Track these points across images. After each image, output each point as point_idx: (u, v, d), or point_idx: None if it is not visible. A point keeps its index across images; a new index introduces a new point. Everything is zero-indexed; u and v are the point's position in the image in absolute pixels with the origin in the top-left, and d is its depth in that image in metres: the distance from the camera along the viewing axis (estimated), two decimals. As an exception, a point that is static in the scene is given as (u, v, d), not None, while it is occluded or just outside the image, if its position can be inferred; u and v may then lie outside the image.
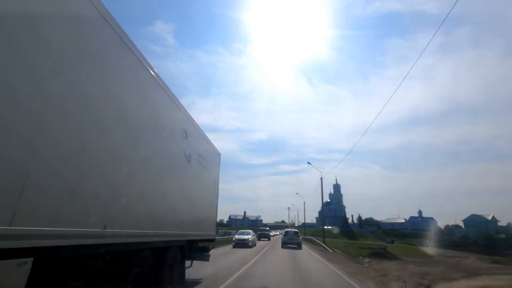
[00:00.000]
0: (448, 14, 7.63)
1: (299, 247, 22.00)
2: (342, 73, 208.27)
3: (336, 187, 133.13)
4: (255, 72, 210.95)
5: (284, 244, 22.33)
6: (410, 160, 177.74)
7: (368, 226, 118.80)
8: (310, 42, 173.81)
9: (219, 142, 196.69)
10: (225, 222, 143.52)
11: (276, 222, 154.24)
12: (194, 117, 6.48)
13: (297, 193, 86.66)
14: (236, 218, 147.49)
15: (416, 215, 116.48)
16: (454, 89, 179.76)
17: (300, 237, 23.68)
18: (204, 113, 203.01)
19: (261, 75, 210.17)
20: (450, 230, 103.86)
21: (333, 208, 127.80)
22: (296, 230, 27.21)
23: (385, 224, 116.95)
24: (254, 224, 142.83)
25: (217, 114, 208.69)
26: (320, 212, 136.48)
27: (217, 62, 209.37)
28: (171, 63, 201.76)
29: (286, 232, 24.22)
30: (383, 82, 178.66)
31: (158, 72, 4.50)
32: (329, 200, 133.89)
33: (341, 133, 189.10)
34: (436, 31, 8.82)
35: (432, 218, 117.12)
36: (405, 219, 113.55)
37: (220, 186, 8.81)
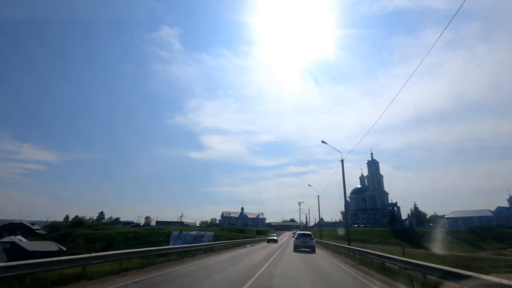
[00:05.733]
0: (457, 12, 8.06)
1: (312, 251, 21.55)
2: (349, 73, 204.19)
3: (373, 164, 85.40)
4: (261, 74, 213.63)
5: (296, 248, 21.81)
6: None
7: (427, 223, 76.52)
8: (316, 42, 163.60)
9: (227, 145, 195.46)
10: (217, 221, 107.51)
11: (284, 221, 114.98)
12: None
13: (309, 185, 64.79)
14: (231, 216, 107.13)
15: (506, 204, 72.86)
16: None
17: (314, 240, 23.17)
18: (212, 116, 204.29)
19: (267, 77, 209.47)
20: None
21: (368, 196, 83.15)
22: (309, 232, 26.28)
23: (454, 220, 74.10)
24: (255, 224, 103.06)
25: (224, 116, 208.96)
26: (344, 211, 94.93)
27: (223, 65, 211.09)
28: (178, 68, 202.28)
29: (298, 235, 23.62)
30: (392, 81, 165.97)
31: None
32: (359, 186, 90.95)
33: (349, 133, 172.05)
34: (444, 29, 9.07)
35: (533, 209, 73.39)
36: (491, 212, 70.13)
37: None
